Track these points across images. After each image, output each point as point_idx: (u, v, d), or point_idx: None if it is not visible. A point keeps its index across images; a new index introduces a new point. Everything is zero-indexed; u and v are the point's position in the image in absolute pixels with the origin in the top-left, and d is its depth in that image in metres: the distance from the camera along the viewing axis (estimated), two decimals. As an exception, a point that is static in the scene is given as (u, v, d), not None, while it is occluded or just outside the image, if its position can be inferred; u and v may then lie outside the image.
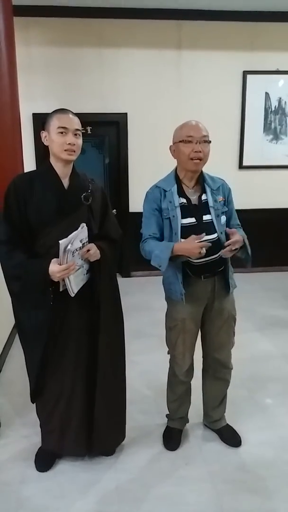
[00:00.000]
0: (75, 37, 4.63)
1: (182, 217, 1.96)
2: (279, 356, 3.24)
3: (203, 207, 2.00)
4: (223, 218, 2.02)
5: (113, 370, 2.05)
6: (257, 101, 5.04)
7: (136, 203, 5.04)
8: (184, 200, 1.99)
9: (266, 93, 5.04)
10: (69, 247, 1.71)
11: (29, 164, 4.31)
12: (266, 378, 2.93)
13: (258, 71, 4.95)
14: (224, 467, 2.12)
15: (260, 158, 5.16)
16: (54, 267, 1.75)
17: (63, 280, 1.79)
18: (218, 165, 4.89)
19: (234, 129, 5.09)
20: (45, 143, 1.88)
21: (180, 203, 1.97)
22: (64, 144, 1.81)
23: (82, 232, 1.81)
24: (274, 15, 4.74)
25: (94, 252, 1.86)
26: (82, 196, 1.90)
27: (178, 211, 1.96)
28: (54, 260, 1.76)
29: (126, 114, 4.87)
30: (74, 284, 1.82)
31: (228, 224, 2.07)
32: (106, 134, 5.01)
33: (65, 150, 1.82)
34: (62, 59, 4.65)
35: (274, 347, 3.39)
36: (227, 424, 2.33)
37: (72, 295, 1.82)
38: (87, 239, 1.87)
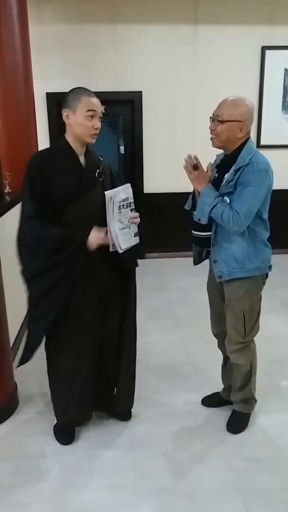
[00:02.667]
0: (89, 14, 4.52)
1: None
2: (295, 338, 3.22)
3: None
4: (227, 200, 1.92)
5: (127, 336, 2.17)
6: (276, 78, 4.88)
7: (151, 184, 4.97)
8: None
9: (286, 70, 4.87)
10: (114, 198, 1.81)
11: (43, 142, 4.29)
12: (282, 360, 2.92)
13: (277, 47, 4.77)
14: (240, 447, 2.14)
15: (278, 137, 5.02)
16: (93, 234, 1.86)
17: (111, 239, 1.86)
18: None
19: (251, 107, 4.95)
20: (66, 122, 1.87)
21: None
22: (92, 129, 1.85)
23: (125, 189, 1.88)
24: (295, -13, 4.56)
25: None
26: (96, 173, 1.94)
27: None
28: (94, 228, 1.87)
29: (141, 92, 4.77)
30: (122, 241, 1.91)
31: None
32: (121, 113, 4.93)
33: (91, 134, 1.86)
34: (75, 37, 4.56)
35: (290, 329, 3.37)
36: (237, 411, 2.28)
37: (120, 251, 1.90)
38: (133, 200, 1.92)
